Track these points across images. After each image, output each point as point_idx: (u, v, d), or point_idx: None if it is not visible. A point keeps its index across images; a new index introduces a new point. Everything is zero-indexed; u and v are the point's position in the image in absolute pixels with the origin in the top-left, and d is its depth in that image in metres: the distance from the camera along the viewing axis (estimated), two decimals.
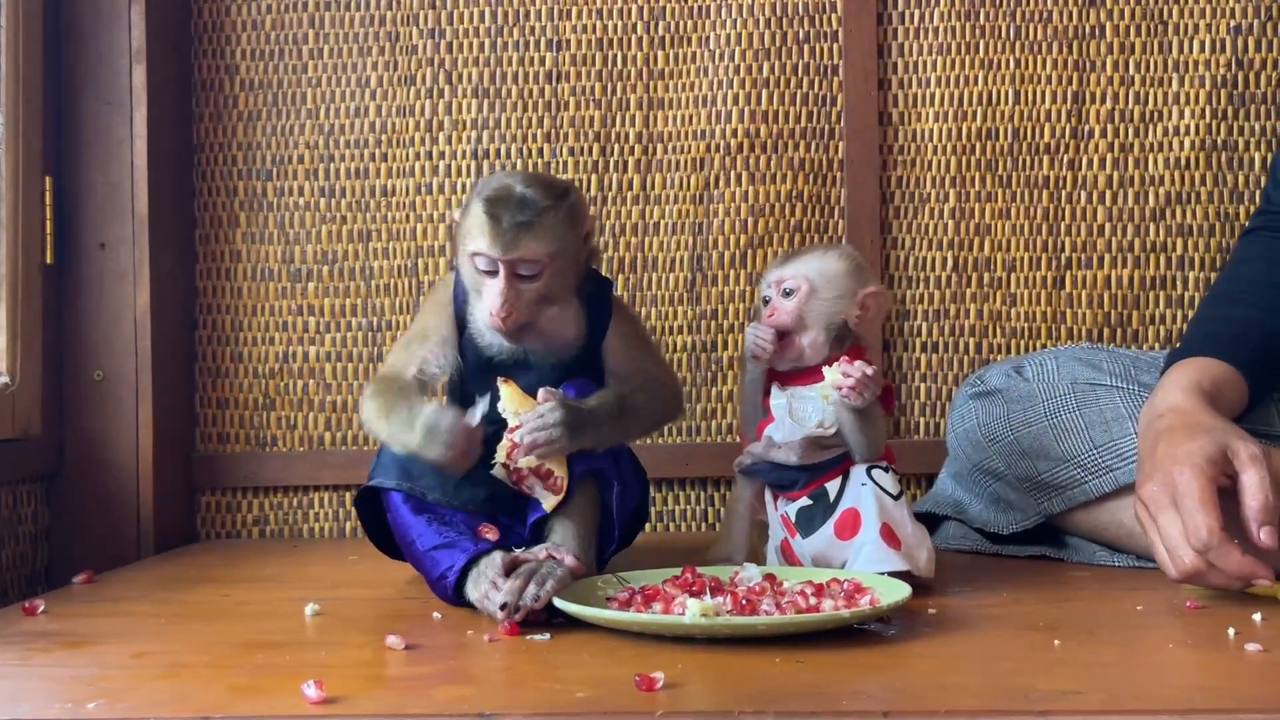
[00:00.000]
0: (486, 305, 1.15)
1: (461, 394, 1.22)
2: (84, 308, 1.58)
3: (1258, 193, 1.68)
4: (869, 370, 1.15)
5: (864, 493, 1.18)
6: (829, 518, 1.19)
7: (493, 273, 1.15)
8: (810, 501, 1.21)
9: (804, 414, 1.21)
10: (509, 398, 1.14)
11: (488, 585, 1.07)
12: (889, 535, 1.16)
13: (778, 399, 1.24)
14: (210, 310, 1.74)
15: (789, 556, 1.23)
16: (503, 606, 1.03)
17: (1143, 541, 1.18)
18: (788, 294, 1.23)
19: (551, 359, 1.19)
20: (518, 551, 1.11)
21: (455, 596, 1.12)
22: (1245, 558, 1.05)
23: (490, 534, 1.13)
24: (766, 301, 1.25)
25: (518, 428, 1.12)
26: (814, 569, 1.17)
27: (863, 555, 1.16)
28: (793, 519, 1.22)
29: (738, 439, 1.31)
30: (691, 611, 0.97)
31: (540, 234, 1.14)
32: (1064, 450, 1.35)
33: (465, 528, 1.16)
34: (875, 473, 1.20)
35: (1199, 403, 1.17)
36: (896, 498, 1.19)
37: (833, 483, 1.20)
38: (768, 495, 1.26)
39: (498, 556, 1.10)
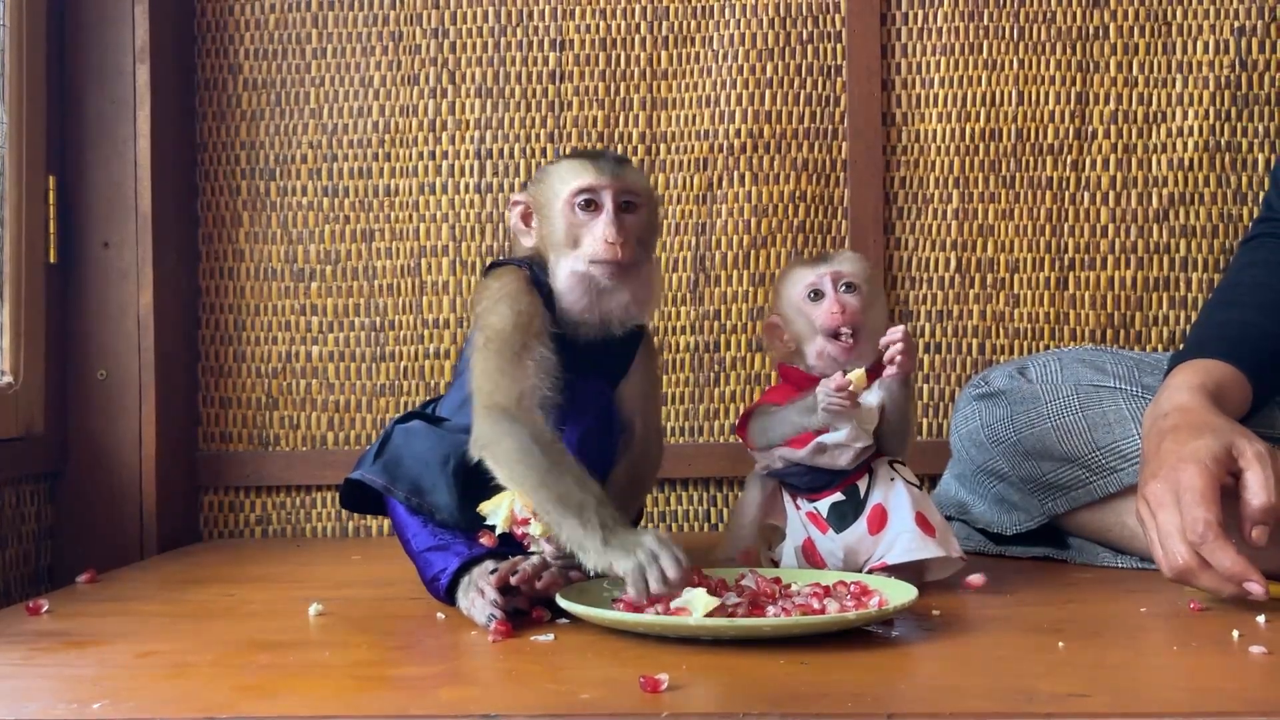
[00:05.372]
0: (600, 235, 1.15)
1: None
2: (87, 306, 1.58)
3: (1261, 194, 1.68)
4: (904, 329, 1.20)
5: (895, 485, 1.21)
6: (860, 513, 1.21)
7: (596, 207, 1.16)
8: (843, 498, 1.22)
9: (868, 414, 1.22)
10: (543, 529, 1.08)
11: (475, 593, 1.08)
12: (924, 523, 1.19)
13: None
14: (213, 309, 1.74)
15: (812, 555, 1.23)
16: (488, 619, 1.03)
17: (1145, 542, 1.18)
18: (850, 288, 1.25)
19: (622, 330, 1.18)
20: (517, 562, 1.09)
21: (448, 599, 1.12)
22: (1239, 557, 1.04)
23: (486, 539, 1.12)
24: (816, 296, 1.25)
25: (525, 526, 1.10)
26: (820, 571, 1.18)
27: (899, 544, 1.18)
28: (824, 515, 1.22)
29: (740, 439, 1.30)
30: (700, 605, 0.97)
31: (636, 172, 1.21)
32: (1068, 451, 1.35)
33: (461, 531, 1.15)
34: (898, 467, 1.23)
35: (1204, 402, 1.17)
36: (920, 488, 1.23)
37: (861, 480, 1.23)
38: (785, 498, 1.26)
39: (490, 565, 1.09)
